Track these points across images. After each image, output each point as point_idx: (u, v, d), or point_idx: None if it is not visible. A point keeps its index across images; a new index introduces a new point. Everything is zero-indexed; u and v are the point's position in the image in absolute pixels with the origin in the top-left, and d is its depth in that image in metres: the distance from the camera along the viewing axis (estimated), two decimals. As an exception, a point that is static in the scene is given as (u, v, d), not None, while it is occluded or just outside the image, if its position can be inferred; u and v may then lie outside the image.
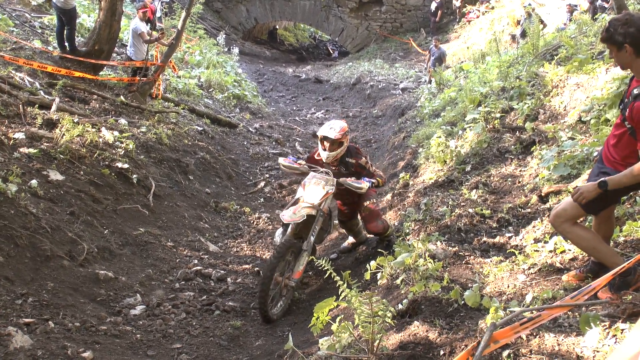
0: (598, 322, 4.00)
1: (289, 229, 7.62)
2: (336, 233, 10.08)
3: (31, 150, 8.46)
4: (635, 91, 4.54)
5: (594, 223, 5.35)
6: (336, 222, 8.68)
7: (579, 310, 4.68)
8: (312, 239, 7.62)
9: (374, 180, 7.99)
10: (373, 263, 6.79)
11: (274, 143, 16.67)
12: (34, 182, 7.80)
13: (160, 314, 7.12)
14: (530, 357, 4.26)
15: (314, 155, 8.33)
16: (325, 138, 7.87)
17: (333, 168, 8.09)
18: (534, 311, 3.54)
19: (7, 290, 6.12)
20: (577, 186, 4.91)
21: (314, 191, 7.74)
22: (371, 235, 8.86)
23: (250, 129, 17.48)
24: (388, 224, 8.52)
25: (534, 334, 4.47)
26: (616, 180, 4.65)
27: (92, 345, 5.97)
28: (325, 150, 7.91)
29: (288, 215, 7.51)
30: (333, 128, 7.80)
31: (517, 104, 10.53)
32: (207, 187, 11.88)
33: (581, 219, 5.24)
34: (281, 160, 8.30)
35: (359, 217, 8.69)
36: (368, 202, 8.33)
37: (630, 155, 4.78)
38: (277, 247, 7.49)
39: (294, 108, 23.34)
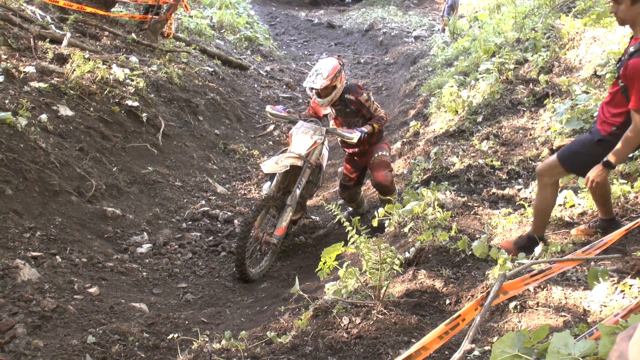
0: (606, 277, 3.99)
1: (274, 182, 7.27)
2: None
3: (41, 84, 8.39)
4: (632, 49, 4.47)
5: None
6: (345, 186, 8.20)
7: (587, 265, 4.68)
8: (298, 192, 7.16)
9: (366, 129, 7.36)
10: (381, 210, 6.79)
11: (284, 87, 16.57)
12: (43, 116, 7.75)
13: (166, 253, 7.18)
14: (537, 310, 4.30)
15: (314, 102, 7.82)
16: (312, 90, 7.40)
17: (334, 110, 7.66)
18: (544, 264, 3.53)
19: (15, 223, 6.14)
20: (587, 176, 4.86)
21: (301, 141, 7.31)
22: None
23: (261, 71, 17.36)
24: (395, 185, 7.97)
25: (542, 286, 4.51)
26: (618, 154, 4.63)
27: (99, 281, 6.03)
28: (320, 96, 7.39)
29: (269, 165, 7.07)
30: (320, 74, 7.17)
31: (532, 55, 10.40)
32: (217, 129, 11.84)
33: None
34: (268, 108, 7.75)
35: (362, 191, 8.42)
36: (381, 153, 7.77)
37: (618, 114, 4.72)
38: (255, 201, 7.20)
39: (306, 52, 23.16)
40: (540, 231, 5.23)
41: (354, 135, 7.16)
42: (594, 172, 4.75)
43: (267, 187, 7.55)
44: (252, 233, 6.84)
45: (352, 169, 8.06)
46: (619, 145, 4.59)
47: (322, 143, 7.41)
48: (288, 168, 7.05)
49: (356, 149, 7.86)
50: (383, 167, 7.68)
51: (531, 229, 5.31)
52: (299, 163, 7.13)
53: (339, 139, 7.63)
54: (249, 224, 6.62)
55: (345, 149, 8.05)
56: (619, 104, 4.71)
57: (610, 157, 4.62)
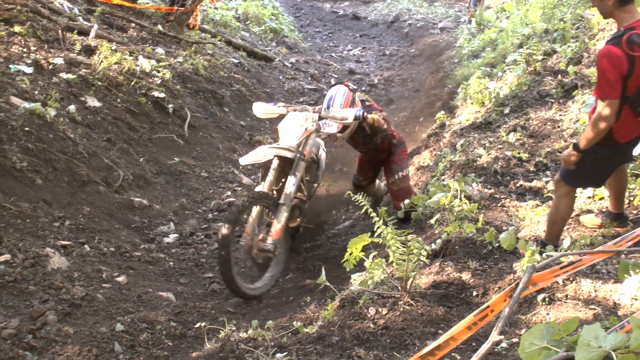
0: (637, 270, 3.96)
1: (266, 181, 6.43)
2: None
3: (70, 75, 8.45)
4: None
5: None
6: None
7: (618, 258, 4.64)
8: (293, 188, 6.23)
9: (365, 113, 6.56)
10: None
11: (309, 78, 16.54)
12: (72, 107, 7.82)
13: (192, 243, 7.21)
14: (565, 302, 4.27)
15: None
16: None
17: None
18: (574, 255, 3.51)
19: (45, 212, 6.20)
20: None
21: (290, 131, 6.57)
22: None
23: (286, 63, 17.35)
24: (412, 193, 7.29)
25: (571, 279, 4.47)
26: (584, 137, 4.67)
27: (126, 270, 6.09)
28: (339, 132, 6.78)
29: (247, 157, 6.47)
30: (333, 115, 6.53)
31: (560, 46, 10.29)
32: (242, 120, 11.86)
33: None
34: (257, 105, 7.03)
35: (377, 181, 8.04)
36: (401, 174, 7.25)
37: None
38: (238, 200, 6.36)
39: (331, 44, 23.08)
40: (554, 239, 5.16)
41: (348, 114, 6.41)
42: (565, 152, 4.86)
43: (259, 189, 6.61)
44: (243, 241, 6.11)
45: (367, 169, 7.72)
46: (587, 128, 4.67)
47: (315, 131, 6.59)
48: (270, 158, 6.38)
49: (370, 154, 7.49)
50: (404, 195, 7.13)
51: (545, 236, 5.25)
52: (289, 155, 6.33)
53: (335, 138, 6.98)
54: (226, 238, 5.73)
55: (359, 151, 7.65)
56: None
57: (580, 140, 4.70)
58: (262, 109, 6.91)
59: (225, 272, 5.71)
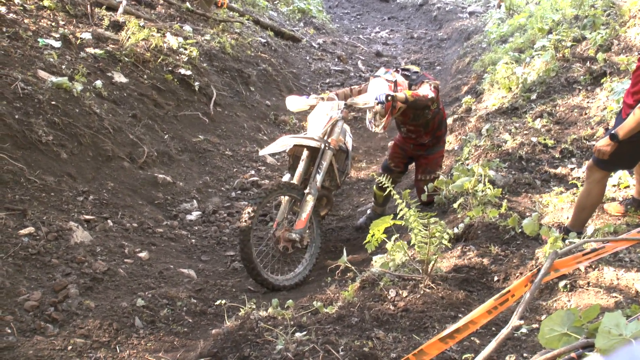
0: (661, 259, 3.93)
1: (296, 172, 6.34)
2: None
3: (97, 51, 8.50)
4: None
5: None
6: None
7: (640, 246, 4.61)
8: (319, 177, 6.09)
9: (393, 93, 6.20)
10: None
11: (336, 60, 16.47)
12: (98, 82, 7.85)
13: (215, 221, 7.24)
14: (587, 289, 4.26)
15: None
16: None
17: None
18: (597, 243, 3.48)
19: (69, 186, 6.25)
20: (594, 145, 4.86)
21: (317, 121, 6.49)
22: None
23: (313, 44, 17.30)
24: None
25: (593, 266, 4.45)
26: (625, 127, 4.58)
27: (148, 246, 6.14)
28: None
29: (267, 148, 6.42)
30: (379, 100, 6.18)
31: (590, 33, 10.15)
32: (268, 100, 11.85)
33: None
34: (289, 99, 6.86)
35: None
36: (433, 175, 7.00)
37: (638, 92, 4.66)
38: (263, 188, 6.37)
39: (359, 26, 22.97)
40: (580, 226, 5.12)
41: (369, 99, 6.26)
42: (600, 142, 4.76)
43: (285, 179, 6.57)
44: (270, 231, 6.09)
45: (400, 156, 7.27)
46: (628, 119, 4.56)
47: (342, 119, 6.47)
48: (290, 147, 6.36)
49: (411, 139, 7.04)
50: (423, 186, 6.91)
51: (569, 222, 5.20)
52: (313, 144, 6.22)
53: (379, 119, 6.50)
54: (247, 229, 5.58)
55: (402, 131, 7.16)
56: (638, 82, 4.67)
57: (618, 130, 4.61)
58: (293, 102, 6.79)
59: (247, 259, 5.58)
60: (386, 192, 6.13)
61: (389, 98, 6.13)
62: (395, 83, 6.42)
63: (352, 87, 7.05)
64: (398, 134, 7.26)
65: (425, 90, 6.41)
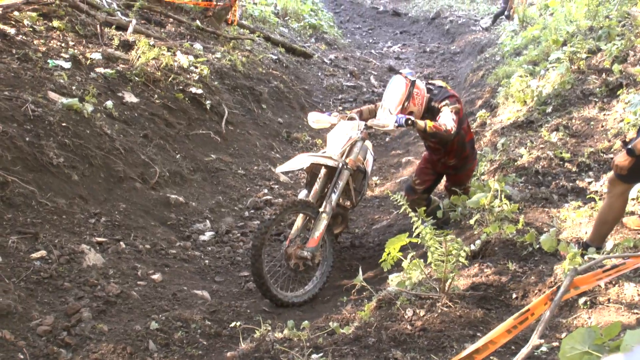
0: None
1: (312, 190, 6.36)
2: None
3: (107, 70, 8.50)
4: None
5: None
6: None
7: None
8: (334, 197, 6.05)
9: (412, 118, 6.18)
10: (446, 201, 6.69)
11: (348, 75, 16.47)
12: (109, 103, 7.84)
13: (228, 241, 7.19)
14: (608, 306, 4.22)
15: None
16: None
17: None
18: (617, 259, 3.43)
19: (81, 208, 6.22)
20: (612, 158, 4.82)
21: (336, 140, 6.42)
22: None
23: (325, 60, 17.31)
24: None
25: (613, 283, 4.41)
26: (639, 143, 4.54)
27: (162, 268, 6.10)
28: None
29: (284, 165, 6.40)
30: (388, 110, 6.31)
31: (605, 44, 10.07)
32: (280, 117, 11.83)
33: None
34: (311, 115, 6.93)
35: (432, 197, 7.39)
36: (463, 187, 6.90)
37: None
38: (277, 205, 6.40)
39: (370, 41, 23.02)
40: (600, 241, 5.06)
41: (388, 122, 6.17)
42: (618, 158, 4.73)
43: (302, 195, 6.65)
44: (283, 248, 6.05)
45: (428, 172, 7.05)
46: None
47: (362, 140, 6.41)
48: (307, 166, 6.30)
49: (438, 157, 6.90)
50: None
51: (589, 237, 5.14)
52: (330, 163, 6.17)
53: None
54: (262, 234, 5.61)
55: (430, 153, 7.07)
56: None
57: (634, 145, 4.58)
58: (314, 119, 6.83)
59: (258, 276, 5.59)
60: (427, 208, 6.48)
61: (409, 122, 6.10)
62: (414, 84, 6.37)
63: (377, 103, 6.93)
64: (427, 153, 7.16)
65: (447, 119, 6.26)
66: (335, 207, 6.17)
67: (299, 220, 6.13)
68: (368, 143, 6.94)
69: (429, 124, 6.16)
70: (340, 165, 6.15)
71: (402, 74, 6.57)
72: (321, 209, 5.99)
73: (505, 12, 20.52)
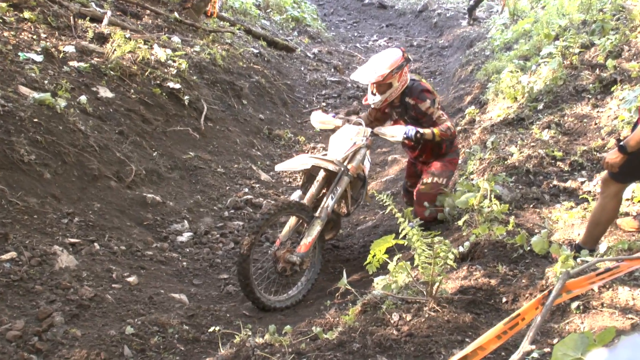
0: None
1: (308, 193, 6.23)
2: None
3: (81, 64, 8.36)
4: None
5: None
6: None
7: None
8: (331, 202, 6.00)
9: (421, 130, 6.20)
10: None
11: (332, 70, 16.43)
12: (83, 98, 7.70)
13: (207, 243, 7.12)
14: (601, 311, 4.19)
15: (365, 100, 6.74)
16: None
17: (395, 112, 6.74)
18: (611, 261, 3.38)
19: (53, 208, 6.13)
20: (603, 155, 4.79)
21: (339, 145, 6.33)
22: None
23: (308, 54, 17.27)
24: (437, 213, 6.75)
25: (607, 286, 4.38)
26: (635, 138, 4.49)
27: (137, 270, 6.03)
28: (373, 93, 6.51)
29: (284, 164, 6.30)
30: (373, 69, 6.25)
31: (599, 39, 10.00)
32: (261, 113, 11.74)
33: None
34: (314, 115, 6.81)
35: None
36: (436, 180, 6.65)
37: None
38: (270, 205, 6.26)
39: (355, 34, 23.00)
40: (593, 243, 5.02)
41: (397, 132, 6.19)
42: (609, 155, 4.69)
43: (296, 196, 6.58)
44: (272, 250, 5.97)
45: (412, 173, 7.19)
46: (637, 129, 4.49)
47: (366, 147, 6.35)
48: (307, 167, 6.11)
49: (415, 154, 6.94)
50: (425, 199, 6.68)
51: (582, 239, 5.09)
52: (331, 167, 6.09)
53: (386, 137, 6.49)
54: (254, 233, 5.53)
55: (407, 151, 7.17)
56: None
57: (628, 141, 4.53)
58: (318, 119, 6.74)
59: (244, 278, 5.49)
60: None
61: (418, 134, 6.15)
62: (408, 61, 6.46)
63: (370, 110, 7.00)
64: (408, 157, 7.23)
65: (444, 121, 6.44)
66: (330, 213, 6.12)
67: (291, 222, 6.08)
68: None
69: (436, 132, 6.28)
70: (342, 170, 6.13)
71: (401, 48, 6.54)
72: (316, 214, 5.94)
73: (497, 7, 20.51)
